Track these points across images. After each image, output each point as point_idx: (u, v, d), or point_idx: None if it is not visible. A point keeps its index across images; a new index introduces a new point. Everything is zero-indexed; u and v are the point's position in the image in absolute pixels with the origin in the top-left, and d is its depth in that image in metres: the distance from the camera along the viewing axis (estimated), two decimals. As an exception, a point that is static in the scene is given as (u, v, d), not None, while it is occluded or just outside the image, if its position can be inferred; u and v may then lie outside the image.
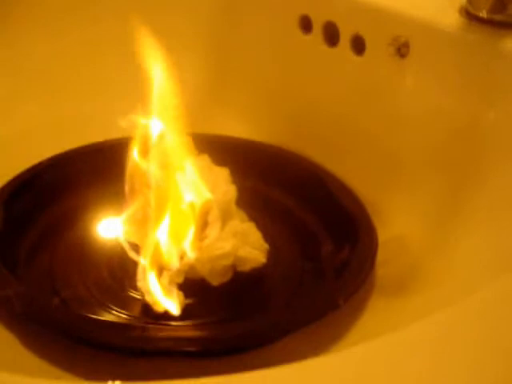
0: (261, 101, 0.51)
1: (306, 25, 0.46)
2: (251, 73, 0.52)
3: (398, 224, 0.42)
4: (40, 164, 0.46)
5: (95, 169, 0.46)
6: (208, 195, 0.38)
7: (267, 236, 0.41)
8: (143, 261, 0.38)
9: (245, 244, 0.39)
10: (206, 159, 0.42)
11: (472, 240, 0.37)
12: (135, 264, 0.38)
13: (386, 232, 0.42)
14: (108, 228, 0.41)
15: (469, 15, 0.37)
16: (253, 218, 0.42)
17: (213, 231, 0.38)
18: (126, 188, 0.40)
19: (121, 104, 0.53)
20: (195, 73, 0.54)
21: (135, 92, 0.53)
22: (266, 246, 0.40)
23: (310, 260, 0.42)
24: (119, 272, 0.40)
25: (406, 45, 0.39)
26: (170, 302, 0.37)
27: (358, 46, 0.43)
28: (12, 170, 0.45)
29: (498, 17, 0.36)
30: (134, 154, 0.40)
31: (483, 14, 0.36)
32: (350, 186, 0.44)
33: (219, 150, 0.45)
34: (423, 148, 0.41)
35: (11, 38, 0.52)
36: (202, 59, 0.54)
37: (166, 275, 0.37)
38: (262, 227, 0.41)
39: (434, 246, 0.39)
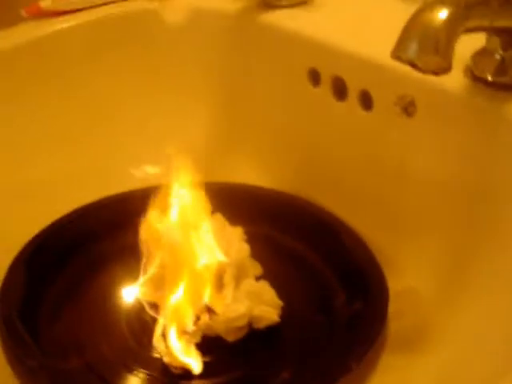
0: (271, 149, 0.53)
1: (314, 78, 0.47)
2: (261, 122, 0.53)
3: (409, 275, 0.43)
4: (60, 220, 0.47)
5: (114, 221, 0.48)
6: (223, 258, 0.39)
7: (279, 288, 0.42)
8: (161, 321, 0.39)
9: (259, 303, 0.40)
10: (219, 218, 0.43)
11: (485, 297, 0.37)
12: (154, 323, 0.40)
13: (396, 283, 0.42)
14: (128, 288, 0.42)
15: (474, 77, 0.38)
16: (264, 266, 0.43)
17: (228, 292, 0.39)
18: (142, 249, 0.41)
19: (135, 155, 0.55)
20: (206, 123, 0.55)
21: (150, 143, 0.55)
22: (279, 303, 0.41)
23: (322, 313, 0.43)
24: (139, 331, 0.41)
25: (412, 104, 0.40)
26: (189, 362, 0.38)
27: (366, 101, 0.43)
28: (32, 224, 0.47)
29: (502, 79, 0.37)
30: (149, 215, 0.42)
31: (488, 77, 0.37)
32: (361, 234, 0.45)
33: (232, 197, 0.47)
34: (432, 203, 0.42)
35: (27, 91, 0.53)
36: (213, 109, 0.55)
37: (183, 335, 0.39)
38: (273, 277, 0.42)
39: (446, 300, 0.40)
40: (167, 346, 0.38)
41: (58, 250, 0.46)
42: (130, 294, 0.42)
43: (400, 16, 0.33)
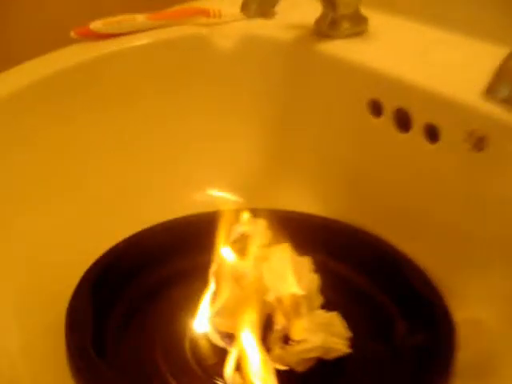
0: (324, 177, 0.53)
1: (376, 109, 0.47)
2: (314, 150, 0.54)
3: (471, 307, 0.43)
4: (123, 242, 0.48)
5: (174, 245, 0.48)
6: (298, 290, 0.40)
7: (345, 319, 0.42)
8: (234, 352, 0.39)
9: (331, 334, 0.40)
10: (287, 249, 0.43)
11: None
12: (221, 353, 0.40)
13: (460, 314, 0.43)
14: (197, 318, 0.42)
15: None
16: (324, 295, 0.43)
17: (305, 324, 0.39)
18: (212, 279, 0.42)
19: (193, 179, 0.55)
20: (258, 149, 0.56)
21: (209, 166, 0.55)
22: (349, 334, 0.41)
23: (384, 344, 0.43)
24: (204, 359, 0.41)
25: (482, 139, 0.40)
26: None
27: (432, 134, 0.44)
28: (94, 247, 0.47)
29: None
30: (221, 249, 0.42)
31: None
32: (422, 267, 0.46)
33: (290, 226, 0.47)
34: (497, 233, 0.42)
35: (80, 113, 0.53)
36: (264, 137, 0.55)
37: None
38: (332, 307, 0.43)
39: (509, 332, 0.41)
40: (243, 378, 0.38)
41: (121, 273, 0.46)
42: (199, 323, 0.42)
43: (454, 47, 0.33)
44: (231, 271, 0.41)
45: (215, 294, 0.41)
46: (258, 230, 0.43)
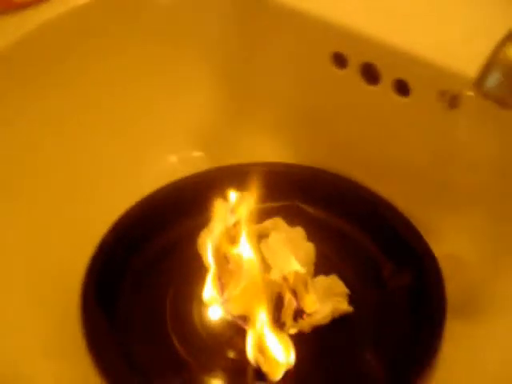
0: (289, 126, 0.54)
1: (340, 62, 0.48)
2: (277, 100, 0.54)
3: (448, 244, 0.48)
4: (129, 209, 0.49)
5: (179, 206, 0.50)
6: (299, 267, 0.42)
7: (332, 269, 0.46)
8: (252, 331, 0.42)
9: (334, 296, 0.44)
10: (279, 222, 0.45)
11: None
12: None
13: (439, 252, 0.47)
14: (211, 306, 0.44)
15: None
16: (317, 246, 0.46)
17: (313, 296, 0.42)
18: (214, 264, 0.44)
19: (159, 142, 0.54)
20: (217, 105, 0.55)
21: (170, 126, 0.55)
22: (348, 292, 0.45)
23: (377, 287, 0.47)
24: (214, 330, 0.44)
25: (455, 98, 0.42)
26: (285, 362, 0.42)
27: (402, 89, 0.45)
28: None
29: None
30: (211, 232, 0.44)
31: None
32: (398, 207, 0.49)
33: (265, 177, 0.48)
34: (467, 178, 0.45)
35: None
36: (223, 89, 0.55)
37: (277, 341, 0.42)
38: (324, 257, 0.46)
39: (490, 264, 0.45)
40: (264, 354, 0.42)
41: (133, 237, 0.48)
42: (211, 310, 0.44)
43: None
44: (233, 258, 0.43)
45: (221, 281, 0.43)
46: (246, 206, 0.45)
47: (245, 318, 0.43)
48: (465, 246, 0.47)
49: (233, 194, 0.45)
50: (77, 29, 0.52)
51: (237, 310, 0.43)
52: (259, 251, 0.43)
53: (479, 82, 0.34)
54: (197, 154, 0.55)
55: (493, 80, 0.33)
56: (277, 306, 0.42)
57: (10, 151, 0.49)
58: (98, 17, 0.53)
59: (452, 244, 0.48)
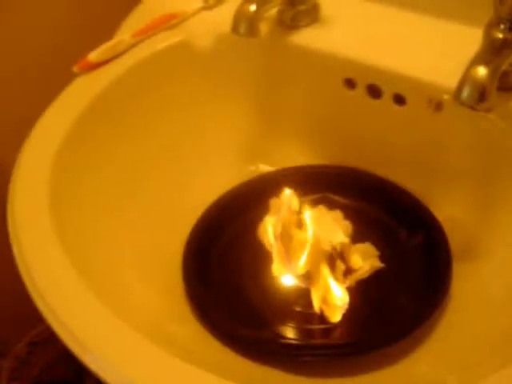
0: (313, 138, 0.70)
1: (350, 84, 0.64)
2: (303, 119, 0.70)
3: (447, 210, 0.63)
4: (214, 203, 0.66)
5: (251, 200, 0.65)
6: (344, 238, 0.58)
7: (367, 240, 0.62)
8: (315, 290, 0.58)
9: (369, 257, 0.60)
10: (323, 208, 0.61)
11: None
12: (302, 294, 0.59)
13: (440, 217, 0.63)
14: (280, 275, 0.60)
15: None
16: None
17: (354, 258, 0.58)
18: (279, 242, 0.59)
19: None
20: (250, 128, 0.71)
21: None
22: (378, 254, 0.61)
23: (396, 249, 0.63)
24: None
25: (439, 103, 0.59)
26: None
27: (399, 100, 0.61)
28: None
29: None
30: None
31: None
32: (407, 189, 0.65)
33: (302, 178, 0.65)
34: (458, 159, 0.62)
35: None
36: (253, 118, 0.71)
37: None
38: (359, 234, 0.62)
39: (481, 221, 0.61)
40: (326, 302, 0.57)
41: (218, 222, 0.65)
42: (281, 277, 0.60)
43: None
44: (294, 236, 0.59)
45: (285, 254, 0.59)
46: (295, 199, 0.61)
47: (308, 280, 0.59)
48: (459, 210, 0.63)
49: (285, 192, 0.61)
50: (140, 82, 0.68)
51: (301, 274, 0.59)
52: (313, 229, 0.59)
53: (456, 94, 0.50)
54: (243, 164, 0.71)
55: (465, 93, 0.49)
56: (331, 267, 0.58)
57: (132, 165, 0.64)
58: (158, 69, 0.68)
59: (450, 209, 0.64)
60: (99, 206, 0.60)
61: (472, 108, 0.49)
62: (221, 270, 0.62)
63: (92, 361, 0.46)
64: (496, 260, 0.59)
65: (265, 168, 0.70)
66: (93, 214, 0.59)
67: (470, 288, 0.58)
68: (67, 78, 0.66)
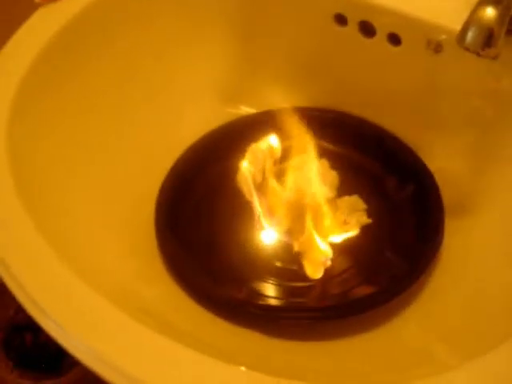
0: (299, 76, 0.64)
1: (341, 21, 0.58)
2: (289, 55, 0.64)
3: (438, 160, 0.59)
4: (190, 148, 0.60)
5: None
6: (330, 192, 0.54)
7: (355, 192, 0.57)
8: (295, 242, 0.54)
9: (355, 211, 0.56)
10: (308, 156, 0.56)
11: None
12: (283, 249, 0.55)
13: (432, 167, 0.59)
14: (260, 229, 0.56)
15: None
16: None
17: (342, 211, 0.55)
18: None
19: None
20: (231, 60, 0.65)
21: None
22: (366, 207, 0.56)
23: (386, 200, 0.59)
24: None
25: (439, 44, 0.53)
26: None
27: (394, 40, 0.56)
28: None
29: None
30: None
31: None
32: (396, 134, 0.61)
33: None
34: (454, 106, 0.57)
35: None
36: (236, 48, 0.65)
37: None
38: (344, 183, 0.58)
39: (477, 175, 0.57)
40: (307, 258, 0.54)
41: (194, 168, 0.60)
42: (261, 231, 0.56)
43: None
44: (274, 188, 0.54)
45: (266, 207, 0.55)
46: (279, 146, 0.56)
47: (290, 234, 0.55)
48: (453, 160, 0.59)
49: (267, 137, 0.56)
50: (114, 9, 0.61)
51: (282, 228, 0.55)
52: (297, 180, 0.54)
53: (460, 37, 0.44)
54: (223, 106, 0.66)
55: (470, 36, 0.44)
56: (315, 222, 0.54)
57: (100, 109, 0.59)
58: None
59: (442, 160, 0.59)
60: (64, 157, 0.54)
61: (477, 54, 0.44)
62: (196, 224, 0.58)
63: (52, 328, 0.42)
64: (490, 215, 0.55)
65: (246, 110, 0.65)
66: (58, 165, 0.54)
67: (462, 244, 0.54)
68: (28, 10, 0.60)
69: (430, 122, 0.59)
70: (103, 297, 0.42)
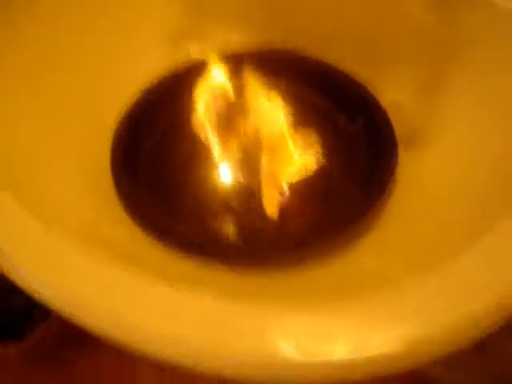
0: (251, 14, 0.63)
1: None
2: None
3: (389, 94, 0.60)
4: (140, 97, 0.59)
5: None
6: (285, 128, 0.54)
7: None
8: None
9: (310, 145, 0.56)
10: (260, 95, 0.56)
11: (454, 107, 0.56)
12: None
13: (383, 100, 0.60)
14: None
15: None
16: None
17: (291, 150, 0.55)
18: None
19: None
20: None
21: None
22: (319, 140, 0.57)
23: (337, 135, 0.59)
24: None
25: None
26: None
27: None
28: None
29: None
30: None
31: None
32: (346, 70, 0.61)
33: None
34: (407, 42, 0.57)
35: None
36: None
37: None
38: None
39: (424, 106, 0.58)
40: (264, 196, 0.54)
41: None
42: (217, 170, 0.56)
43: None
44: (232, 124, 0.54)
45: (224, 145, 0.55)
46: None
47: (247, 173, 0.55)
48: (404, 94, 0.59)
49: (219, 77, 0.56)
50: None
51: (239, 166, 0.55)
52: (251, 118, 0.54)
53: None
54: (172, 49, 0.65)
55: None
56: (270, 159, 0.55)
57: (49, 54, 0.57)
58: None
59: (394, 94, 0.60)
60: (18, 102, 0.53)
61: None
62: (153, 165, 0.57)
63: (12, 270, 0.41)
64: (442, 146, 0.57)
65: (196, 52, 0.64)
66: (13, 112, 0.53)
67: (415, 175, 0.56)
68: None
69: (379, 57, 0.60)
70: (62, 235, 0.42)
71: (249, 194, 0.55)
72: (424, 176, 0.55)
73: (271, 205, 0.55)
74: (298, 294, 0.46)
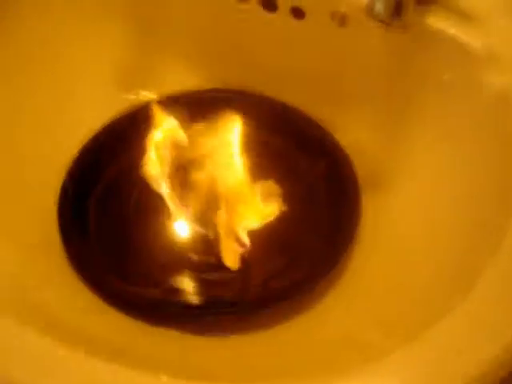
0: (202, 55, 0.61)
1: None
2: (189, 36, 0.60)
3: (349, 135, 0.57)
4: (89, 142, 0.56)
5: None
6: (243, 177, 0.51)
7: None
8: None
9: (272, 197, 0.53)
10: (216, 142, 0.53)
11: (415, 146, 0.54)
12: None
13: (343, 142, 0.57)
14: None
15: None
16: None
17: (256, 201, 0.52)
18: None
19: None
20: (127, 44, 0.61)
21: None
22: (280, 191, 0.54)
23: (299, 182, 0.57)
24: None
25: (343, 17, 0.51)
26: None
27: (298, 13, 0.54)
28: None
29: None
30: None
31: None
32: (305, 112, 0.58)
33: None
34: (364, 82, 0.55)
35: None
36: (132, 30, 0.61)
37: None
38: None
39: (385, 150, 0.56)
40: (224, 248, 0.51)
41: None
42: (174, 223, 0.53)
43: None
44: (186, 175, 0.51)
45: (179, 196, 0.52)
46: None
47: (204, 225, 0.52)
48: (365, 136, 0.57)
49: (171, 123, 0.53)
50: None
51: (196, 218, 0.52)
52: (207, 168, 0.51)
53: (369, 6, 0.43)
54: (121, 93, 0.62)
55: (379, 5, 0.42)
56: (229, 211, 0.52)
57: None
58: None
59: (355, 136, 0.58)
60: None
61: (386, 24, 0.43)
62: (103, 219, 0.54)
63: None
64: (407, 187, 0.55)
65: (147, 95, 0.61)
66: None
67: (382, 220, 0.53)
68: None
69: (339, 97, 0.57)
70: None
71: (207, 247, 0.52)
72: (390, 220, 0.53)
73: (231, 257, 0.52)
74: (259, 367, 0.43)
